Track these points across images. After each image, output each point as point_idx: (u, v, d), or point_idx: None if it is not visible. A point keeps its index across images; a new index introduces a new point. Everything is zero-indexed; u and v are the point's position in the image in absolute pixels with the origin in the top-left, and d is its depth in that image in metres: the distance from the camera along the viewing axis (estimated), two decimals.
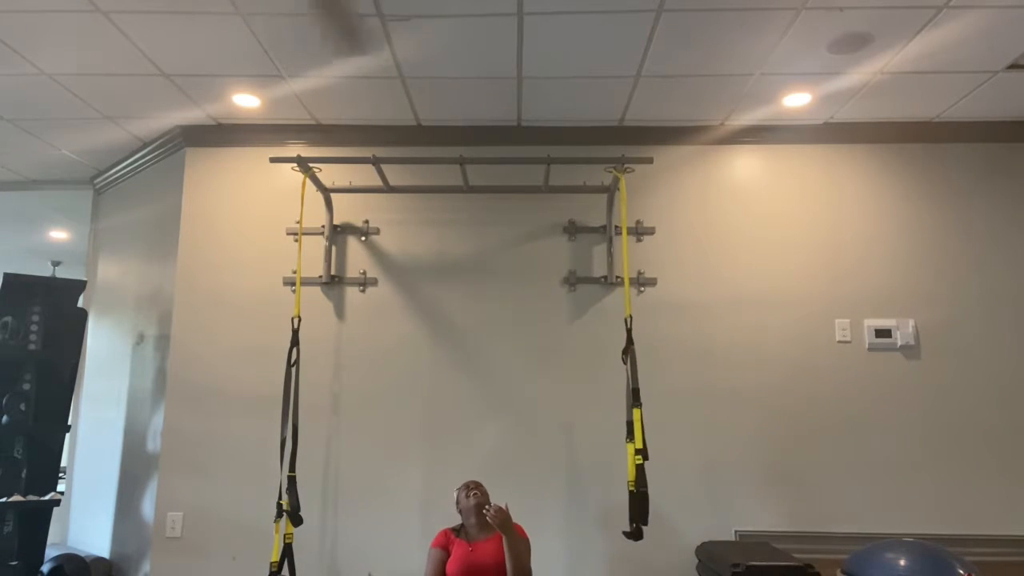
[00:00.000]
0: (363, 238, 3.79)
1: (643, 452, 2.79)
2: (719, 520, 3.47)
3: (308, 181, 3.42)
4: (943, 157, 3.74)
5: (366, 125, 3.81)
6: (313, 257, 3.75)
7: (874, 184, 3.73)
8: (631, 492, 2.79)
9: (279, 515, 3.06)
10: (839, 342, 3.59)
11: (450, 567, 2.87)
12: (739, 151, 3.79)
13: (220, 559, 3.53)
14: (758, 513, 3.47)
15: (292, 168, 3.44)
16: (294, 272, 3.74)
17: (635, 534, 2.79)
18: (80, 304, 3.81)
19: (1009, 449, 3.48)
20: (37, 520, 3.52)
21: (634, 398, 2.88)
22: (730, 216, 3.73)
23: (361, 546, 3.51)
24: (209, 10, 2.76)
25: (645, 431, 2.83)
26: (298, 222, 3.63)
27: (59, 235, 5.78)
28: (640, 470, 2.78)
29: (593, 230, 3.75)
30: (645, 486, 2.77)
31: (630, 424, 2.88)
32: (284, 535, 3.06)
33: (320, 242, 3.76)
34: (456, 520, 3.06)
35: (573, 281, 3.70)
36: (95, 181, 4.56)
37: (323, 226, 3.75)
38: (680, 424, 3.55)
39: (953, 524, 3.42)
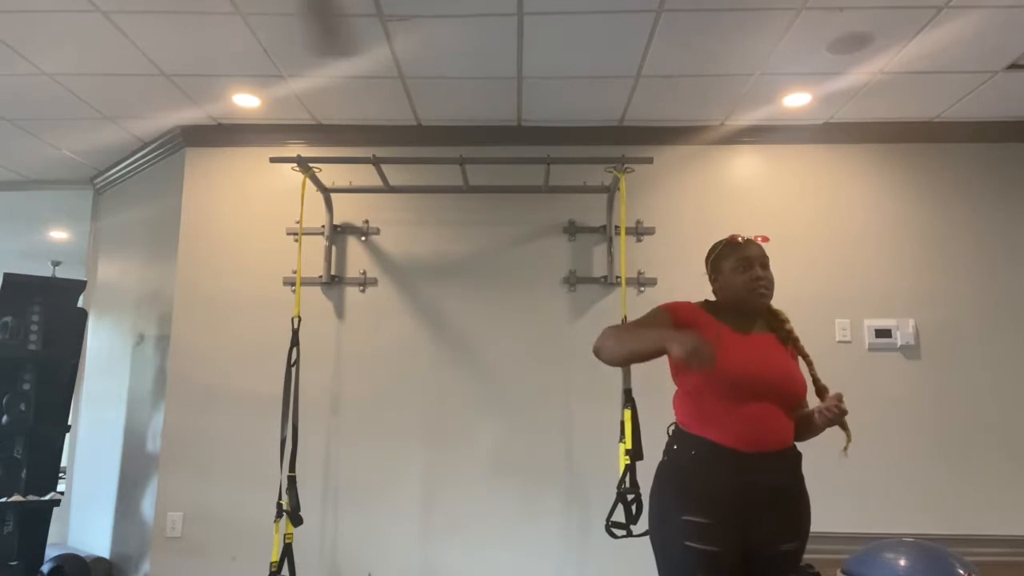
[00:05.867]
0: (363, 238, 3.79)
1: (633, 452, 2.80)
2: None
3: (308, 181, 3.42)
4: (943, 157, 3.74)
5: (366, 125, 3.81)
6: (313, 257, 3.75)
7: (874, 184, 3.73)
8: (619, 491, 2.81)
9: (279, 515, 3.06)
10: (839, 342, 3.59)
11: (730, 358, 2.01)
12: (739, 151, 3.79)
13: (220, 559, 3.52)
14: None
15: (292, 168, 3.44)
16: (294, 272, 3.74)
17: (617, 528, 2.78)
18: (80, 304, 3.82)
19: (1009, 449, 3.48)
20: (37, 520, 3.52)
21: (625, 399, 2.90)
22: (730, 216, 3.72)
23: (361, 546, 3.51)
24: (209, 10, 2.76)
25: (644, 431, 2.82)
26: (298, 222, 3.63)
27: (59, 235, 5.77)
28: (629, 471, 2.79)
29: (593, 230, 3.74)
30: (636, 487, 2.77)
31: (623, 424, 2.89)
32: (284, 535, 3.06)
33: (320, 242, 3.76)
34: None
35: (573, 281, 3.70)
36: (95, 181, 4.56)
37: (323, 226, 3.75)
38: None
39: (953, 524, 3.41)
